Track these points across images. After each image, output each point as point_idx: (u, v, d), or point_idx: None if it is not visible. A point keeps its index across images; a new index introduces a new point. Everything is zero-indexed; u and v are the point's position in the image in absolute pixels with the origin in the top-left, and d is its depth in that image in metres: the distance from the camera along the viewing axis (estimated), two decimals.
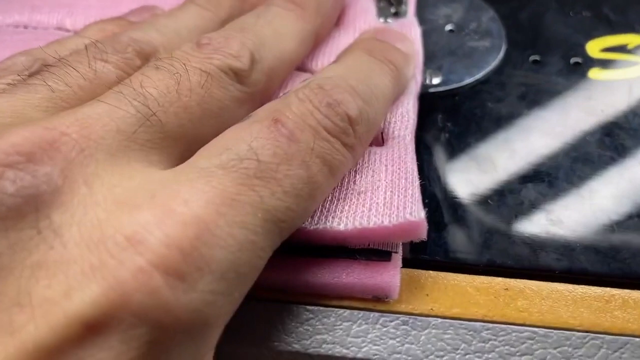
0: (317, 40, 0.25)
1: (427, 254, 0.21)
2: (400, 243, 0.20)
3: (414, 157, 0.21)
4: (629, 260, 0.21)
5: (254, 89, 0.20)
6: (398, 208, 0.19)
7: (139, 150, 0.16)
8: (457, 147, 0.25)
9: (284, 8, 0.23)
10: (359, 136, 0.19)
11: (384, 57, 0.22)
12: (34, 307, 0.13)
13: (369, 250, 0.19)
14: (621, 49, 0.30)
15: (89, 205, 0.14)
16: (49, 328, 0.13)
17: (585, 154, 0.25)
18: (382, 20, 0.28)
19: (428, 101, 0.26)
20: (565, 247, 0.21)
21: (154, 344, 0.13)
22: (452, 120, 0.26)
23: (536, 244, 0.22)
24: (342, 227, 0.18)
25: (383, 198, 0.19)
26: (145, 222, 0.14)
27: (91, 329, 0.13)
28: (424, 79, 0.27)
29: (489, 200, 0.23)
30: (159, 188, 0.15)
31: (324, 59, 0.25)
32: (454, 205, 0.23)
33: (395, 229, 0.18)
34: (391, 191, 0.20)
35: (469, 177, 0.24)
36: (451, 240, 0.22)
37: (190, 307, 0.14)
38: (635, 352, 0.19)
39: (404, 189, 0.20)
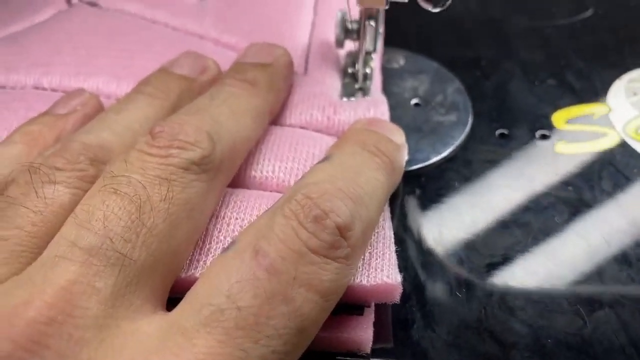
0: (271, 116, 0.25)
1: (395, 355, 0.21)
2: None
3: (391, 224, 0.22)
4: (600, 355, 0.20)
5: (217, 170, 0.19)
6: (376, 270, 0.19)
7: (123, 307, 0.16)
8: (422, 234, 0.24)
9: (236, 87, 0.23)
10: (354, 242, 0.18)
11: (376, 148, 0.22)
12: None
13: (342, 305, 0.19)
14: (587, 119, 0.30)
15: None
16: None
17: (553, 238, 0.24)
18: (345, 99, 0.27)
19: None
20: (536, 343, 0.21)
21: None
22: (418, 203, 0.26)
23: (507, 341, 0.21)
24: None
25: (362, 259, 0.20)
26: None
27: None
28: None
29: (457, 293, 0.22)
30: None
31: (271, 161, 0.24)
32: (421, 299, 0.22)
33: (372, 289, 0.19)
34: (369, 253, 0.20)
35: (436, 268, 0.23)
36: (419, 339, 0.21)
37: None
38: None
39: (381, 252, 0.20)
